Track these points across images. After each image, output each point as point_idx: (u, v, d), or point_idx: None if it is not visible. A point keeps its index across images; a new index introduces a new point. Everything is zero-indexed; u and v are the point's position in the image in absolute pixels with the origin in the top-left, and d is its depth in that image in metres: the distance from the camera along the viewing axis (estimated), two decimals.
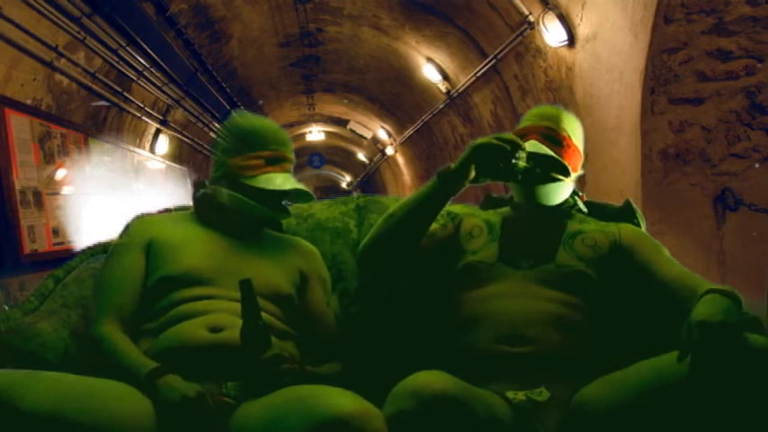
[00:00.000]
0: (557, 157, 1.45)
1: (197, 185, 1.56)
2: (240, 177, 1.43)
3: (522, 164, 1.39)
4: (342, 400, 1.06)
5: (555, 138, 1.48)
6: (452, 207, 1.70)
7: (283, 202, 1.50)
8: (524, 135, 1.48)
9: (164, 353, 1.28)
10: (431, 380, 1.10)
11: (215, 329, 1.30)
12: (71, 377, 1.14)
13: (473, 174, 1.41)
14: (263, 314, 1.28)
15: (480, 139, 1.40)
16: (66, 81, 3.70)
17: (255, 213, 1.45)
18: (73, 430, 1.04)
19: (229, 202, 1.44)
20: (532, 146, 1.44)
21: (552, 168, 1.46)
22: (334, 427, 1.01)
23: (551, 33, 3.99)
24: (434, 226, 1.60)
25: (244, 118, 1.53)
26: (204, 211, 1.51)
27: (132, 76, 4.54)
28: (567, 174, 1.47)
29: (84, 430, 1.05)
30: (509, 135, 1.40)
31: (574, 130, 1.52)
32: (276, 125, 1.53)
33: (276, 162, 1.46)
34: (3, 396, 1.02)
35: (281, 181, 1.44)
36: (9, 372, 1.09)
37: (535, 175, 1.45)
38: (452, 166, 1.43)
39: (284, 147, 1.48)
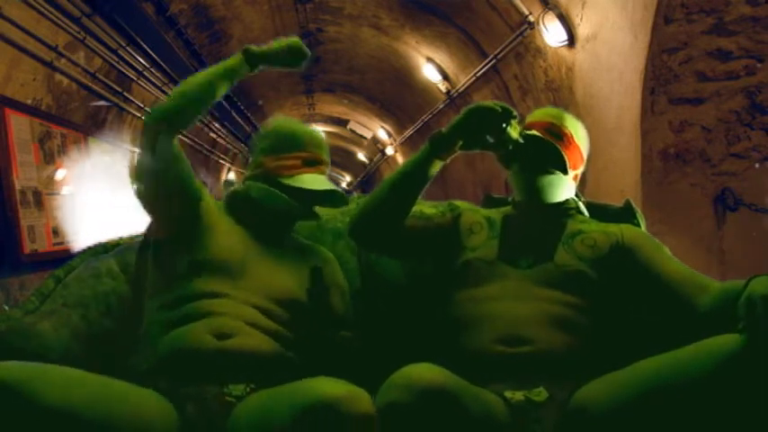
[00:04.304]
0: (554, 143, 1.45)
1: (226, 184, 1.58)
2: (278, 177, 1.46)
3: (514, 133, 1.40)
4: (329, 386, 1.07)
5: (557, 133, 1.48)
6: (454, 201, 1.72)
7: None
8: (528, 130, 1.48)
9: (167, 356, 1.29)
10: (423, 372, 1.10)
11: (221, 336, 1.30)
12: (81, 372, 1.14)
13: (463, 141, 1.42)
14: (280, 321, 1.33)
15: (475, 104, 1.41)
16: (66, 81, 3.70)
17: (288, 209, 1.46)
18: (83, 424, 1.05)
19: (262, 197, 1.46)
20: (533, 133, 1.46)
21: (548, 154, 1.46)
22: (323, 411, 1.03)
23: (551, 33, 3.99)
24: (433, 211, 1.61)
25: (283, 120, 1.57)
26: (234, 209, 1.52)
27: (132, 76, 4.53)
28: (563, 166, 1.47)
29: (94, 424, 1.06)
30: (505, 104, 1.41)
31: (576, 131, 1.53)
32: (314, 129, 1.57)
33: (313, 164, 1.49)
34: (18, 389, 1.02)
35: (318, 182, 1.47)
36: (22, 365, 1.10)
37: (529, 157, 1.45)
38: (443, 130, 1.43)
39: (321, 149, 1.53)
